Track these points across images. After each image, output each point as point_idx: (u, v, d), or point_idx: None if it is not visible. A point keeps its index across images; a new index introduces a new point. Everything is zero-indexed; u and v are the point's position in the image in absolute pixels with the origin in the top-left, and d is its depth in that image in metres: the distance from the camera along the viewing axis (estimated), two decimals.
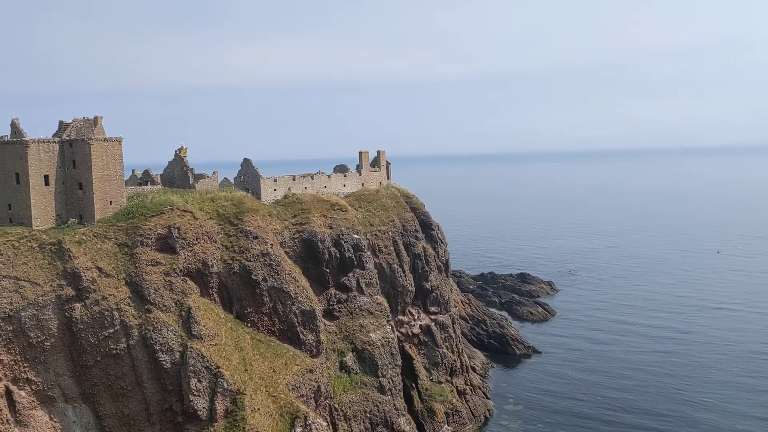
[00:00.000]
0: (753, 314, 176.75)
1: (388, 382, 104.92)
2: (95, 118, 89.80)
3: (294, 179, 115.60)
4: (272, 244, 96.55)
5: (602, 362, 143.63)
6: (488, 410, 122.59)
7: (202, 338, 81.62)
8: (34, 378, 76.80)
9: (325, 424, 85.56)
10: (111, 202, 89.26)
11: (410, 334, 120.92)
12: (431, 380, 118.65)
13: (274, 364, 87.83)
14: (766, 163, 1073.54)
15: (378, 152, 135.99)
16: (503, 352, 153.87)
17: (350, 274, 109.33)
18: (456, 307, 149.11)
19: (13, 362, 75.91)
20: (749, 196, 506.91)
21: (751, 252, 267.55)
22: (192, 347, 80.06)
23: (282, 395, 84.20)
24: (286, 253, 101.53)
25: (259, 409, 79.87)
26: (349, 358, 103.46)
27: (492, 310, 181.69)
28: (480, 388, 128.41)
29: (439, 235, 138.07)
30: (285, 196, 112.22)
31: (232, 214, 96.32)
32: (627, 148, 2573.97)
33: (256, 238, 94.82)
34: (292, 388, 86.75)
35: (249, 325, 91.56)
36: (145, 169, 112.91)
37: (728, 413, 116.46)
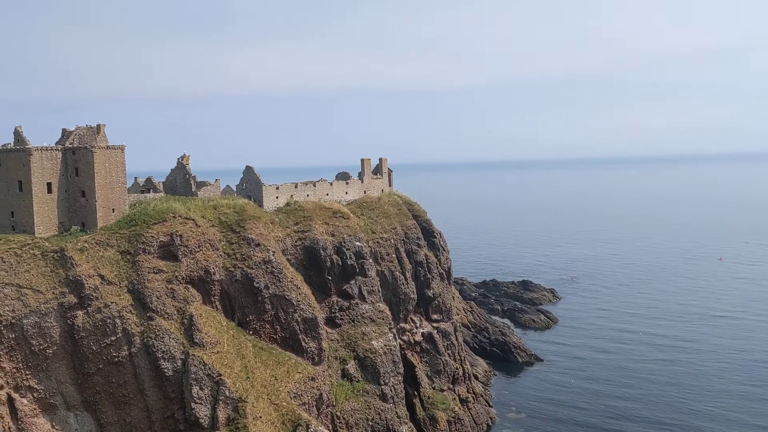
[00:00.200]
0: (756, 322, 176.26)
1: (390, 390, 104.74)
2: (98, 126, 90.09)
3: (296, 187, 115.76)
4: (274, 252, 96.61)
5: (605, 370, 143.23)
6: (490, 418, 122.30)
7: (203, 346, 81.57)
8: (36, 385, 76.76)
9: None
10: (113, 209, 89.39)
11: (412, 341, 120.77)
12: (433, 388, 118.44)
13: (275, 372, 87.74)
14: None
15: (380, 159, 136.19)
16: (505, 359, 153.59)
17: (352, 282, 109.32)
18: (458, 314, 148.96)
19: (15, 370, 75.90)
20: (751, 203, 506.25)
21: (753, 259, 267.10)
22: (194, 355, 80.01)
23: (284, 403, 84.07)
24: (288, 260, 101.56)
25: (261, 417, 79.72)
26: (351, 366, 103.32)
27: (494, 317, 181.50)
28: (482, 396, 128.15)
29: (441, 243, 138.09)
30: (287, 204, 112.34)
31: (234, 222, 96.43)
32: (628, 156, 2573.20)
33: (258, 245, 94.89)
34: (294, 396, 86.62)
35: (251, 332, 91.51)
36: (147, 176, 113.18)
37: (731, 422, 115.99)
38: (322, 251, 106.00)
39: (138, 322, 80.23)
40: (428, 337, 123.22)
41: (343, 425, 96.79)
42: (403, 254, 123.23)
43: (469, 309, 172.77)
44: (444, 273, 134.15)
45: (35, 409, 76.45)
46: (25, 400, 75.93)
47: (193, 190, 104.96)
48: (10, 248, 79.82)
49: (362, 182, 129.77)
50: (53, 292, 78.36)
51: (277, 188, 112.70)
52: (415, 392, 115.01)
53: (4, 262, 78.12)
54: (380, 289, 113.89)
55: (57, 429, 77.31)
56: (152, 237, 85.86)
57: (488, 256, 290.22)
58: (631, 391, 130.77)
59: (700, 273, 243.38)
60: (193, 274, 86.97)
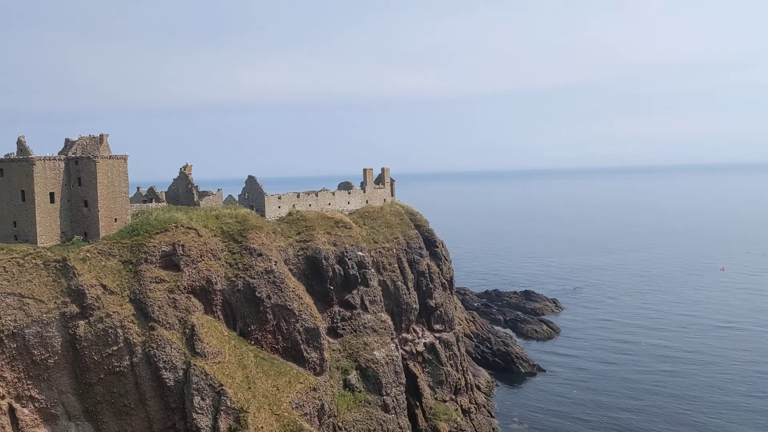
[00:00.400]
0: (760, 333, 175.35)
1: (392, 401, 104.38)
2: (101, 136, 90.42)
3: (298, 196, 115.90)
4: (276, 262, 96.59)
5: (607, 381, 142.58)
6: (493, 429, 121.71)
7: (205, 356, 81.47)
8: (37, 395, 76.67)
9: None
10: (116, 219, 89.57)
11: (414, 351, 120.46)
12: (435, 398, 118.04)
13: (277, 382, 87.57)
14: None
15: (382, 169, 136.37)
16: (508, 370, 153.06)
17: (354, 292, 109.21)
18: (460, 324, 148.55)
19: (16, 380, 75.85)
20: (753, 212, 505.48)
21: (755, 269, 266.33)
22: (195, 365, 79.91)
23: (285, 413, 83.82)
24: (290, 270, 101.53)
25: (262, 427, 79.51)
26: (353, 376, 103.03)
27: (497, 327, 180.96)
28: (484, 407, 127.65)
29: (444, 252, 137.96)
30: (289, 214, 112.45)
31: (236, 232, 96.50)
32: (633, 165, 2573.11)
33: (260, 255, 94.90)
34: (296, 407, 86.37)
35: (253, 342, 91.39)
36: (149, 186, 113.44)
37: None
38: (324, 261, 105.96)
39: (140, 332, 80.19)
40: (430, 348, 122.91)
41: None
42: (405, 264, 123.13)
43: (472, 319, 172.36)
44: (446, 283, 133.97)
45: (36, 419, 76.35)
46: (26, 410, 75.83)
47: (195, 199, 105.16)
48: (12, 258, 79.95)
49: (364, 192, 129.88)
50: (55, 302, 78.41)
51: (280, 198, 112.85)
52: (417, 403, 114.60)
53: (7, 271, 78.24)
54: (382, 299, 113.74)
55: None
56: (154, 247, 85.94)
57: (490, 266, 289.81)
58: (634, 403, 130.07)
59: (703, 283, 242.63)
60: (195, 284, 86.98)
